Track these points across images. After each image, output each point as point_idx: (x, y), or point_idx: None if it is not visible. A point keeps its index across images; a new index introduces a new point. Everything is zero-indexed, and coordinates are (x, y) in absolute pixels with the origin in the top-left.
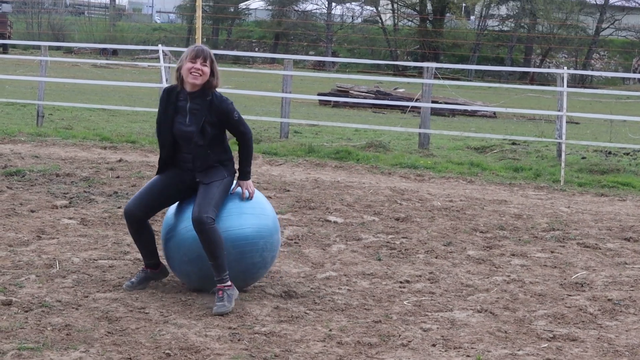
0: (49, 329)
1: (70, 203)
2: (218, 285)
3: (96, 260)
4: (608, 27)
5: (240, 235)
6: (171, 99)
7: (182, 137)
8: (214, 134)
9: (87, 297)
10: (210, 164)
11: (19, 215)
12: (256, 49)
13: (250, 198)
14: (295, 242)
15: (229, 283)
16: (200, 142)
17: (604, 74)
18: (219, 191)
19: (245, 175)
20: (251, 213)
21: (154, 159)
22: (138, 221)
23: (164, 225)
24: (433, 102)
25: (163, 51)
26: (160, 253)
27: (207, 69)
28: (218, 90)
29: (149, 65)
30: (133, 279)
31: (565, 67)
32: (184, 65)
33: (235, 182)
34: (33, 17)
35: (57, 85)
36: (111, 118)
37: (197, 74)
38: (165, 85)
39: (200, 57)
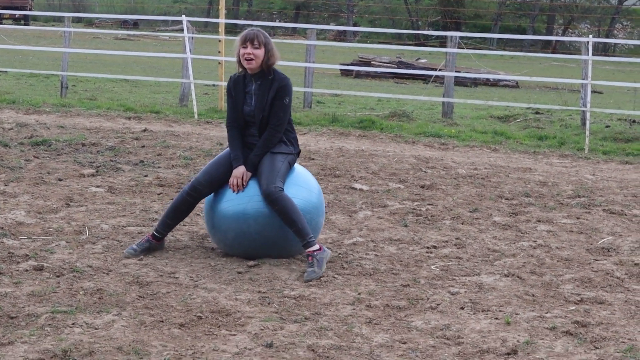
0: (81, 293)
1: (97, 172)
2: (306, 250)
3: (125, 227)
4: None
5: None
6: (239, 86)
7: (249, 117)
8: None
9: (117, 262)
10: None
11: (47, 184)
12: (277, 20)
13: (235, 190)
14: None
15: (317, 246)
16: (265, 120)
17: (629, 42)
18: (284, 165)
19: (249, 164)
20: (304, 187)
21: (178, 128)
22: (199, 197)
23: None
24: (456, 71)
25: (183, 23)
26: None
27: (259, 51)
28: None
29: (170, 37)
30: (135, 247)
31: (591, 36)
32: (239, 51)
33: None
34: None
35: (78, 57)
36: (134, 89)
37: (250, 59)
38: (189, 55)
39: (248, 40)
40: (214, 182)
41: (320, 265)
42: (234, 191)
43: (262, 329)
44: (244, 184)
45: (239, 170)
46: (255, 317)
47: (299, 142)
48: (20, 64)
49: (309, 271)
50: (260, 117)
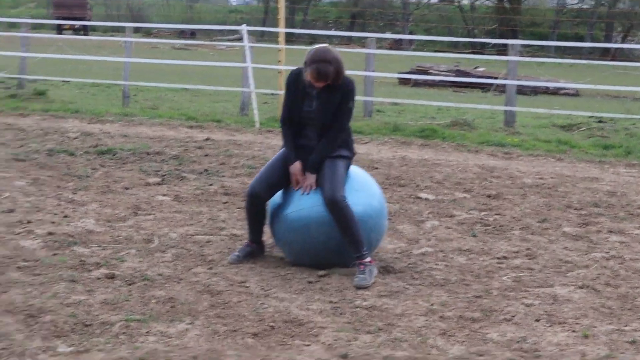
0: (153, 301)
1: (162, 180)
2: (358, 260)
3: (193, 235)
4: None
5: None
6: (300, 84)
7: (308, 119)
8: None
9: (187, 271)
10: None
11: (114, 192)
12: (332, 30)
13: (297, 186)
14: (388, 219)
15: (369, 259)
16: (326, 125)
17: None
18: (344, 169)
19: (311, 166)
20: (364, 192)
21: (240, 137)
22: (261, 202)
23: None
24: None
25: (242, 32)
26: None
27: (329, 80)
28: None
29: (227, 47)
30: (238, 253)
31: None
32: (307, 69)
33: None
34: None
35: (137, 66)
36: (194, 98)
37: (319, 85)
38: (249, 64)
39: (321, 79)
40: (270, 187)
41: (371, 275)
42: (297, 188)
43: (335, 340)
44: (310, 185)
45: (296, 167)
46: (328, 327)
47: (361, 151)
48: (82, 73)
49: (359, 277)
50: (322, 121)
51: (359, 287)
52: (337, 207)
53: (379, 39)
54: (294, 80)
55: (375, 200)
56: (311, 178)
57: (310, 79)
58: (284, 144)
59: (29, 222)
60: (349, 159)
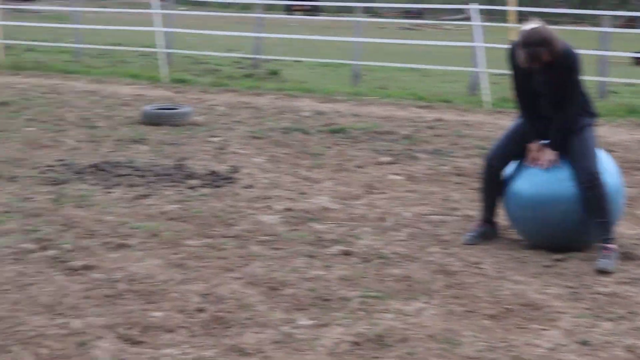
0: (389, 279)
1: (394, 160)
2: (604, 244)
3: (426, 215)
4: None
5: None
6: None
7: (538, 94)
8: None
9: (421, 250)
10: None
11: (347, 171)
12: (563, 8)
13: (534, 163)
14: (627, 203)
15: (616, 246)
16: (557, 98)
17: None
18: (593, 140)
19: (552, 144)
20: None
21: (470, 117)
22: (496, 172)
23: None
24: None
25: (470, 11)
26: None
27: (541, 62)
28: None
29: (454, 26)
30: (473, 233)
31: None
32: (519, 52)
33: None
34: None
35: (363, 46)
36: (422, 78)
37: (534, 66)
38: (479, 44)
39: (534, 64)
40: (505, 156)
41: (615, 260)
42: (534, 165)
43: (575, 326)
44: (549, 161)
45: (535, 145)
46: (567, 312)
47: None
48: (311, 53)
49: (603, 261)
50: (551, 98)
51: (601, 271)
52: (593, 184)
53: (613, 17)
54: (512, 57)
55: (612, 177)
56: (550, 154)
57: (524, 62)
58: (522, 119)
59: (267, 197)
60: (592, 125)
